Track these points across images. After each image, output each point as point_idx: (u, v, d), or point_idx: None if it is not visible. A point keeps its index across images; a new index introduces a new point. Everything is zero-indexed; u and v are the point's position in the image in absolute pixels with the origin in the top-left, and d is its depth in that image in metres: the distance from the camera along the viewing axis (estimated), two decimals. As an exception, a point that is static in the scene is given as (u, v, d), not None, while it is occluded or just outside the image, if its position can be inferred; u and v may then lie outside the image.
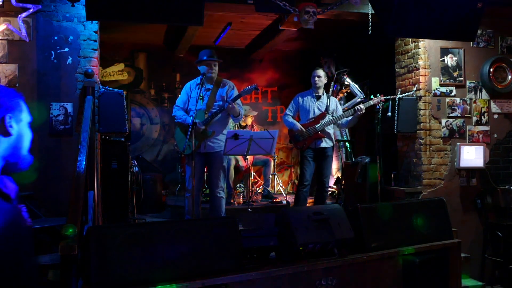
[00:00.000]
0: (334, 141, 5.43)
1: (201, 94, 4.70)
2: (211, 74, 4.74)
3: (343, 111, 5.34)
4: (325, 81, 5.38)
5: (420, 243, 3.80)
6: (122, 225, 3.36)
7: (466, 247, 4.95)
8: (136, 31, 7.28)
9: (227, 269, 3.01)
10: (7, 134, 1.42)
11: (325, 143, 5.24)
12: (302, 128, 5.19)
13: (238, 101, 4.79)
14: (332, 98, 5.43)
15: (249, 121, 6.92)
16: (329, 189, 6.99)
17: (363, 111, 5.06)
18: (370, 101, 5.14)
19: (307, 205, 5.43)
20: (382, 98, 5.15)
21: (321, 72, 5.32)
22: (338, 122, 5.28)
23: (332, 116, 5.26)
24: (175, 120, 4.95)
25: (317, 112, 5.27)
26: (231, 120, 5.01)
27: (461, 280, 4.05)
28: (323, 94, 5.36)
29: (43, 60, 4.28)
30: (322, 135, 5.20)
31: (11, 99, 1.44)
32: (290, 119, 5.34)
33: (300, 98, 5.41)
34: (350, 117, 5.19)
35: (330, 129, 5.31)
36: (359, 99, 6.04)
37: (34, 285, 1.37)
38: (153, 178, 6.77)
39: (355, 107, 5.09)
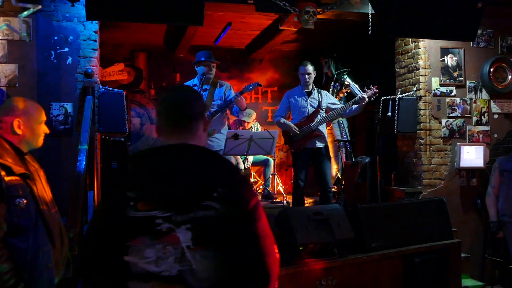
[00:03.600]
0: (327, 140, 5.21)
1: None
2: (210, 75, 4.77)
3: None
4: (314, 76, 5.17)
5: (420, 243, 3.80)
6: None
7: (466, 247, 4.95)
8: (136, 31, 7.27)
9: (227, 269, 3.01)
10: None
11: (321, 143, 5.06)
12: (296, 128, 4.98)
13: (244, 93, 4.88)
14: (323, 92, 5.22)
15: (247, 126, 6.97)
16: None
17: (366, 100, 4.90)
18: (364, 94, 5.05)
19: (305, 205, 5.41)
20: (376, 90, 5.03)
21: (310, 68, 5.10)
22: (337, 114, 5.09)
23: (327, 111, 5.11)
24: None
25: (310, 110, 5.06)
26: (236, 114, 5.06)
27: (461, 280, 4.05)
28: (313, 89, 5.14)
29: (43, 60, 4.28)
30: (318, 134, 5.01)
31: None
32: (282, 120, 5.10)
33: (289, 97, 5.18)
34: (355, 106, 5.01)
35: (324, 127, 5.12)
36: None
37: None
38: (153, 178, 6.76)
39: (359, 96, 4.92)
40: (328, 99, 5.23)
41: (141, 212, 1.33)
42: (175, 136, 1.47)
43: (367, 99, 4.94)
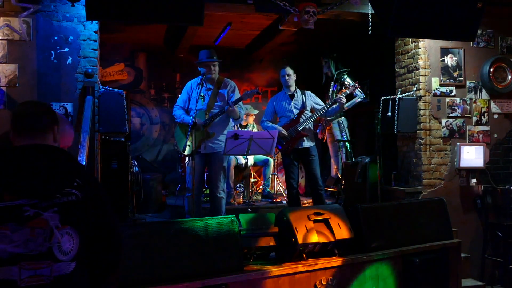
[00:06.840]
0: (314, 138, 5.32)
1: (201, 94, 4.70)
2: (210, 75, 4.75)
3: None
4: (295, 78, 5.30)
5: (420, 243, 3.80)
6: (122, 225, 3.36)
7: (466, 247, 4.95)
8: (136, 31, 7.28)
9: (227, 269, 3.02)
10: None
11: (308, 142, 5.16)
12: (284, 130, 5.10)
13: (239, 102, 4.80)
14: (307, 92, 5.34)
15: (251, 120, 6.90)
16: (329, 189, 7.00)
17: (344, 100, 5.05)
18: (346, 90, 5.20)
19: (305, 205, 5.41)
20: (357, 85, 5.22)
21: (289, 70, 5.27)
22: (320, 114, 5.20)
23: (312, 110, 5.22)
24: (175, 120, 4.95)
25: (295, 112, 5.20)
26: (231, 120, 5.01)
27: (461, 280, 4.05)
28: (295, 92, 5.28)
29: (43, 60, 4.28)
30: (305, 134, 5.12)
31: None
32: (270, 124, 5.27)
33: (274, 102, 5.35)
34: (334, 106, 5.15)
35: (310, 126, 5.22)
36: (359, 99, 6.03)
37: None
38: (153, 178, 6.76)
39: (337, 97, 5.08)
40: (313, 98, 5.35)
41: (7, 202, 1.55)
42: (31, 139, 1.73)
43: (344, 100, 5.07)
